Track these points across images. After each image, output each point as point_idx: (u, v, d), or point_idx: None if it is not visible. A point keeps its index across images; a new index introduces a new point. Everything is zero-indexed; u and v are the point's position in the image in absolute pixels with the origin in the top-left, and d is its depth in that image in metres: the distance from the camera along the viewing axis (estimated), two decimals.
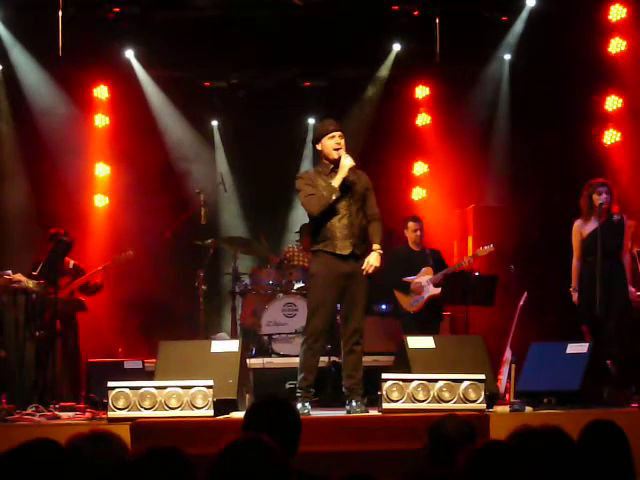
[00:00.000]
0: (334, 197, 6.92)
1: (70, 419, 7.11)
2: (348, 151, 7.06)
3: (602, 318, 7.96)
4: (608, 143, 10.82)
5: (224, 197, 11.80)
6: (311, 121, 12.24)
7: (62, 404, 7.72)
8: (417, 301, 9.54)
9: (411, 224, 9.81)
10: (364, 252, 7.06)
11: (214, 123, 12.15)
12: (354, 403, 6.92)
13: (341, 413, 6.98)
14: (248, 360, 8.44)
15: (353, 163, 6.94)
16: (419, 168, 12.02)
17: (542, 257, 10.41)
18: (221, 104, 11.90)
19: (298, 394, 6.99)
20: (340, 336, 7.16)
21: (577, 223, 8.44)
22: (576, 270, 8.43)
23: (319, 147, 7.11)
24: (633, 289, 8.33)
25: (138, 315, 10.83)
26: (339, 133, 7.02)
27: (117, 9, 10.57)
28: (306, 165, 12.02)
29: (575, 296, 8.39)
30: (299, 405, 6.79)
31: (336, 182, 6.92)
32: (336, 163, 7.00)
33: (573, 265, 8.47)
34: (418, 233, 9.77)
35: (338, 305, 7.22)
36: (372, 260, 6.99)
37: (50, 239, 9.14)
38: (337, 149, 6.99)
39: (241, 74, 11.67)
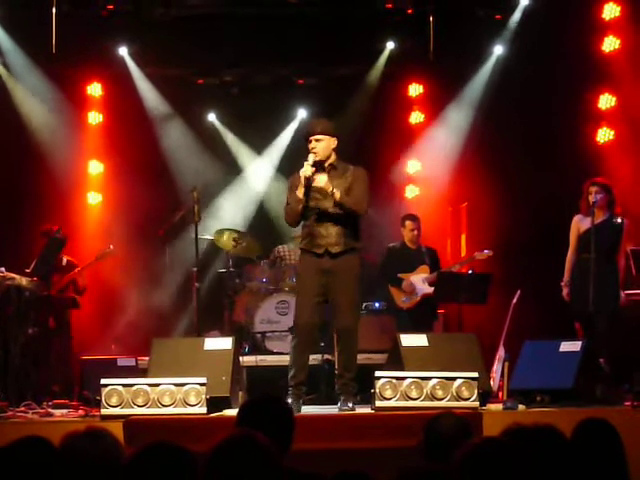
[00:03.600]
0: (300, 207, 7.02)
1: (63, 416, 7.11)
2: (339, 150, 7.16)
3: (594, 316, 7.97)
4: (602, 142, 10.83)
5: (223, 191, 11.82)
6: (302, 113, 12.06)
7: (55, 401, 7.70)
8: (409, 299, 9.53)
9: (408, 223, 9.79)
10: (343, 251, 7.06)
11: (211, 117, 12.03)
12: (345, 403, 6.94)
13: (334, 411, 6.99)
14: (241, 358, 8.44)
15: (308, 173, 6.94)
16: (413, 166, 12.00)
17: (536, 255, 10.41)
18: (215, 101, 11.87)
19: (289, 391, 7.00)
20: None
21: (577, 218, 8.44)
22: (570, 264, 8.45)
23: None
24: (624, 294, 8.31)
25: (131, 312, 10.81)
26: (314, 137, 7.08)
27: (111, 6, 10.54)
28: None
29: (565, 291, 8.40)
30: (289, 401, 6.78)
31: (300, 193, 7.00)
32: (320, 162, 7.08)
33: (567, 259, 8.47)
34: (415, 232, 9.76)
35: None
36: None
37: (43, 236, 9.13)
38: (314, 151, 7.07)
39: (235, 71, 11.65)
